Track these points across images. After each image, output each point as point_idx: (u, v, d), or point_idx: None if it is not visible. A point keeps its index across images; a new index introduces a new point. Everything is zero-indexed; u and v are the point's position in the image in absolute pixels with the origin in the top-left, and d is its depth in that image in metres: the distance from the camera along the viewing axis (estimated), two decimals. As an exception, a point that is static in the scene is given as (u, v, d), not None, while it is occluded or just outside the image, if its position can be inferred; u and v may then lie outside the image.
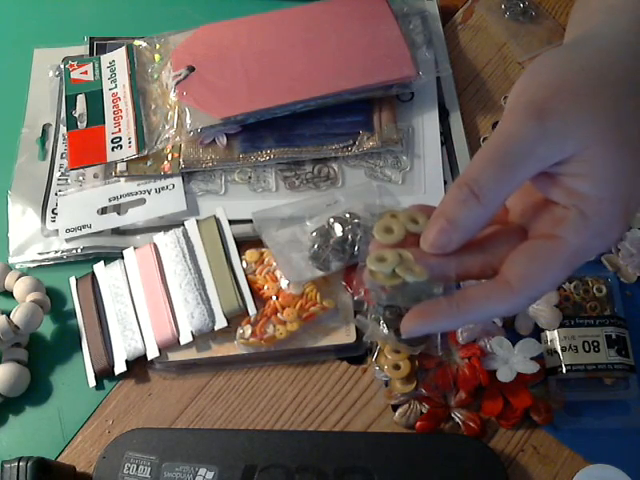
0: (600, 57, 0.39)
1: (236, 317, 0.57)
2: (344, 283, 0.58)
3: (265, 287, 0.58)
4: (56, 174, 0.65)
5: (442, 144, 0.64)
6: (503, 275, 0.38)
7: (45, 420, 0.56)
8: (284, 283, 0.57)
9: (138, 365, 0.58)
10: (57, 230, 0.62)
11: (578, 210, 0.37)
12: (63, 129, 0.66)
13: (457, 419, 0.54)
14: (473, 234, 0.38)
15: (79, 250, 0.61)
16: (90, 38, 0.71)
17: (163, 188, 0.62)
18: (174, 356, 0.57)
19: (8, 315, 0.57)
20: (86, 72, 0.68)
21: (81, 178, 0.64)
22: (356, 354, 0.57)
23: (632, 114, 0.37)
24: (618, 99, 0.37)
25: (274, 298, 0.57)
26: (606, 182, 0.36)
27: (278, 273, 0.58)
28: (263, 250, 0.59)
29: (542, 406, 0.54)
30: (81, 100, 0.66)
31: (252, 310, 0.57)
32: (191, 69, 0.65)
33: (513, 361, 0.54)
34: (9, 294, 0.60)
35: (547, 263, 0.37)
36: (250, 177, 0.63)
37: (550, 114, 0.36)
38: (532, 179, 0.38)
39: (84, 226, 0.61)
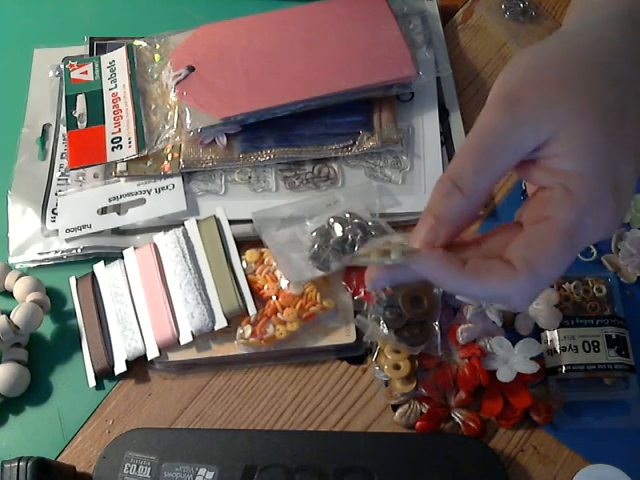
0: (569, 48, 0.40)
1: (236, 317, 0.57)
2: (344, 283, 0.58)
3: (265, 287, 0.58)
4: (56, 174, 0.65)
5: (442, 144, 0.64)
6: (505, 258, 0.39)
7: (45, 420, 0.56)
8: (284, 283, 0.57)
9: (138, 365, 0.58)
10: (57, 230, 0.62)
11: (562, 187, 0.37)
12: (63, 129, 0.66)
13: (457, 419, 0.54)
14: (461, 227, 0.39)
15: (79, 250, 0.61)
16: (90, 38, 0.71)
17: (163, 188, 0.63)
18: (174, 356, 0.57)
19: (8, 315, 0.57)
20: (86, 72, 0.68)
21: (81, 178, 0.64)
22: (356, 354, 0.57)
23: (604, 96, 0.38)
24: (588, 83, 0.38)
25: (274, 298, 0.57)
26: (584, 157, 0.37)
27: (278, 273, 0.58)
28: (263, 250, 0.59)
29: (542, 406, 0.54)
30: (81, 100, 0.66)
31: (252, 310, 0.57)
32: (191, 69, 0.65)
33: (513, 361, 0.54)
34: (9, 294, 0.60)
35: (543, 243, 0.37)
36: (250, 177, 0.63)
37: (521, 103, 0.38)
38: (516, 168, 0.39)
39: (84, 226, 0.61)
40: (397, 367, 0.55)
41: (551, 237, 0.37)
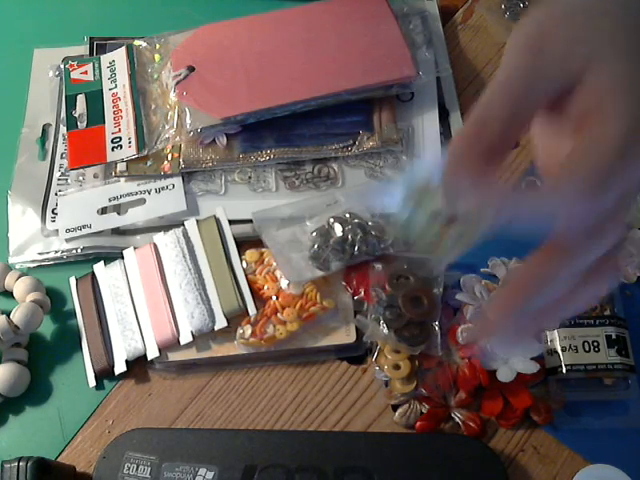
0: None
1: (236, 317, 0.57)
2: (344, 283, 0.58)
3: (265, 287, 0.58)
4: (56, 174, 0.65)
5: (442, 144, 0.64)
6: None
7: (45, 420, 0.56)
8: (284, 283, 0.57)
9: (138, 365, 0.57)
10: (57, 230, 0.62)
11: (604, 106, 0.35)
12: (63, 129, 0.66)
13: (457, 419, 0.54)
14: (490, 162, 0.37)
15: (79, 250, 0.61)
16: (90, 38, 0.71)
17: (163, 188, 0.62)
18: (174, 356, 0.57)
19: (8, 315, 0.57)
20: (86, 72, 0.68)
21: (81, 178, 0.64)
22: (356, 354, 0.57)
23: (633, 33, 0.37)
24: (616, 18, 0.37)
25: (274, 298, 0.57)
26: (620, 90, 0.35)
27: (278, 273, 0.58)
28: (263, 250, 0.59)
29: (542, 406, 0.54)
30: (81, 100, 0.66)
31: (252, 310, 0.57)
32: (191, 69, 0.65)
33: (513, 361, 0.54)
34: (9, 294, 0.60)
35: (587, 148, 0.35)
36: (250, 177, 0.63)
37: (548, 40, 0.37)
38: (545, 114, 0.38)
39: (84, 226, 0.61)
40: (397, 367, 0.55)
41: (594, 144, 0.35)
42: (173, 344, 0.57)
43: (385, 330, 0.55)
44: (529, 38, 0.37)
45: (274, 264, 0.58)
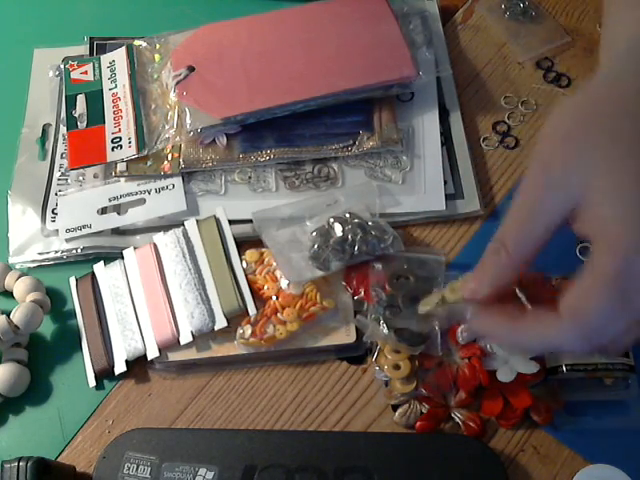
0: (603, 104, 0.41)
1: (236, 317, 0.57)
2: (344, 283, 0.58)
3: (265, 287, 0.58)
4: (56, 174, 0.65)
5: (442, 144, 0.64)
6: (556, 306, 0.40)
7: (45, 420, 0.56)
8: (284, 283, 0.57)
9: (138, 365, 0.57)
10: (57, 230, 0.62)
11: (602, 236, 0.38)
12: (63, 129, 0.66)
13: (457, 419, 0.54)
14: (504, 281, 0.43)
15: (79, 250, 0.61)
16: (90, 38, 0.71)
17: (163, 188, 0.63)
18: (174, 356, 0.57)
19: (8, 315, 0.57)
20: (86, 72, 0.68)
21: (81, 178, 0.64)
22: (356, 354, 0.57)
23: (633, 155, 0.39)
24: (616, 139, 0.39)
25: (274, 298, 0.57)
26: (619, 204, 0.38)
27: (278, 273, 0.58)
28: (263, 250, 0.59)
29: (542, 406, 0.54)
30: (81, 100, 0.66)
31: (252, 310, 0.57)
32: (191, 69, 0.65)
33: (513, 361, 0.54)
34: (9, 294, 0.60)
35: (586, 290, 0.39)
36: (250, 177, 0.63)
37: (551, 165, 0.40)
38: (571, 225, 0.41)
39: (84, 226, 0.61)
40: (397, 367, 0.55)
41: (593, 284, 0.38)
42: (173, 344, 0.57)
43: (385, 330, 0.55)
44: (537, 162, 0.41)
45: (274, 264, 0.58)
